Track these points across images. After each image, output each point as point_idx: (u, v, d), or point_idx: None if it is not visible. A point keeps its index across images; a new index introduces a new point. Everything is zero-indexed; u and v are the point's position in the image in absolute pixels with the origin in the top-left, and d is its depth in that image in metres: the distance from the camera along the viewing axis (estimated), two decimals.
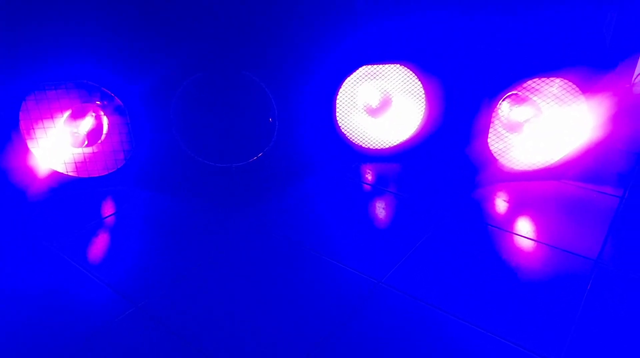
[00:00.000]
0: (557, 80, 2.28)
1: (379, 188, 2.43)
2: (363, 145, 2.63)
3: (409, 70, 2.50)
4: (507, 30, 2.33)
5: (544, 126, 2.36)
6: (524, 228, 2.08)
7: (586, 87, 2.25)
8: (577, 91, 2.28)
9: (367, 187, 2.45)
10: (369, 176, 2.54)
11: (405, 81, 2.53)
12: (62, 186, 2.36)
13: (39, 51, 2.17)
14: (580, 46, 2.27)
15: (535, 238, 2.00)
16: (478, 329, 1.53)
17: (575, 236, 2.00)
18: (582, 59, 2.27)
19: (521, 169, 2.44)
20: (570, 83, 2.27)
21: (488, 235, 2.03)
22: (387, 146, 2.63)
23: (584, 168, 2.42)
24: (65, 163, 2.35)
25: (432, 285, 1.73)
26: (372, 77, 2.54)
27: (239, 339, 1.51)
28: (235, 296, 1.70)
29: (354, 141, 2.62)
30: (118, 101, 2.30)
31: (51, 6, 2.15)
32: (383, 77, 2.53)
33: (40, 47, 2.18)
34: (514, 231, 2.05)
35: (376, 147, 2.63)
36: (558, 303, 1.64)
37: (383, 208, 2.27)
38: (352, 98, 2.57)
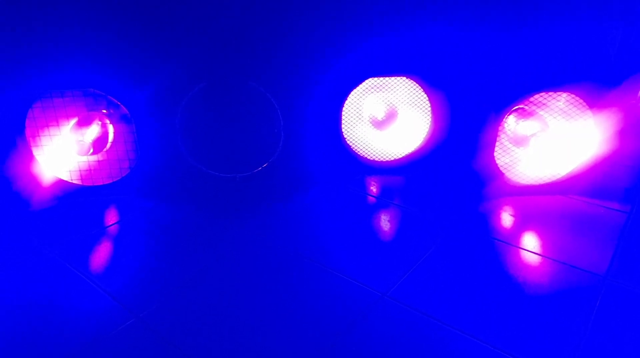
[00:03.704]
0: (564, 95, 2.27)
1: (384, 201, 2.41)
2: (368, 157, 2.62)
3: (415, 83, 2.49)
4: (514, 45, 2.33)
5: (551, 141, 2.35)
6: (531, 243, 2.05)
7: (593, 102, 2.25)
8: (584, 106, 2.27)
9: (372, 199, 2.43)
10: (374, 188, 2.52)
11: (411, 93, 2.52)
12: (66, 194, 2.35)
13: (45, 58, 2.18)
14: (586, 61, 2.27)
15: (542, 253, 1.97)
16: (484, 344, 1.50)
17: (582, 251, 1.97)
18: (589, 75, 2.26)
19: (527, 183, 2.42)
20: (577, 98, 2.26)
21: (494, 249, 2.01)
22: (392, 159, 2.62)
23: (591, 183, 2.40)
24: (70, 171, 2.34)
25: (437, 299, 1.70)
26: (378, 89, 2.54)
27: (239, 351, 1.49)
28: (236, 309, 1.68)
29: (359, 153, 2.61)
30: (124, 110, 2.30)
31: (58, 13, 2.16)
32: (389, 90, 2.53)
33: (47, 54, 2.18)
34: (520, 246, 2.03)
35: (382, 159, 2.62)
36: (566, 319, 1.61)
37: (388, 221, 2.25)
38: (358, 110, 2.56)
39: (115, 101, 2.27)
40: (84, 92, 2.22)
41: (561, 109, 2.29)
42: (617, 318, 1.62)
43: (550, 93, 2.27)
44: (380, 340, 1.53)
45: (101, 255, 1.98)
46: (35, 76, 2.15)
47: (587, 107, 2.26)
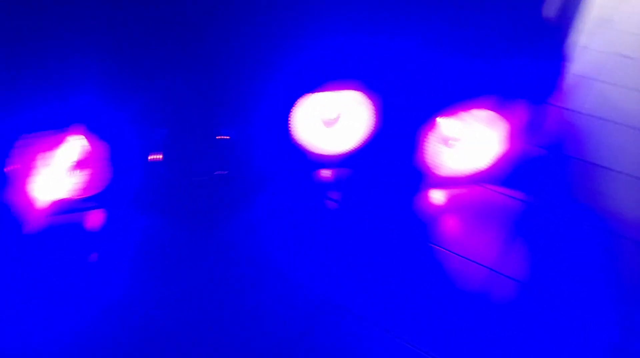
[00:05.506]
0: (484, 110, 2.68)
1: (329, 199, 2.86)
2: (316, 153, 2.97)
3: (359, 89, 2.79)
4: (449, 62, 2.65)
5: (471, 143, 2.80)
6: (448, 240, 2.59)
7: (508, 114, 2.66)
8: (500, 119, 2.69)
9: (319, 198, 2.88)
10: (323, 182, 2.97)
11: (356, 96, 2.83)
12: (57, 212, 2.66)
13: (26, 92, 2.35)
14: (510, 77, 2.64)
15: (453, 250, 2.51)
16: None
17: (489, 246, 2.53)
18: (509, 93, 2.65)
19: (450, 175, 2.90)
20: (494, 112, 2.67)
21: (426, 251, 2.52)
22: (338, 154, 2.99)
23: (502, 173, 2.89)
24: (57, 190, 2.61)
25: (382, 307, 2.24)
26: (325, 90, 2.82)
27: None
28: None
29: (308, 150, 2.95)
30: (97, 135, 2.54)
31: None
32: (336, 92, 2.83)
33: (27, 88, 2.35)
34: (440, 244, 2.56)
35: (329, 154, 2.98)
36: (473, 320, 2.18)
37: (332, 221, 2.72)
38: (306, 110, 2.86)
39: (91, 132, 2.50)
40: (65, 129, 2.45)
41: (481, 118, 2.71)
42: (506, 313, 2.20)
43: (472, 106, 2.67)
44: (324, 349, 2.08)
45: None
46: (11, 113, 2.34)
47: (503, 120, 2.69)
